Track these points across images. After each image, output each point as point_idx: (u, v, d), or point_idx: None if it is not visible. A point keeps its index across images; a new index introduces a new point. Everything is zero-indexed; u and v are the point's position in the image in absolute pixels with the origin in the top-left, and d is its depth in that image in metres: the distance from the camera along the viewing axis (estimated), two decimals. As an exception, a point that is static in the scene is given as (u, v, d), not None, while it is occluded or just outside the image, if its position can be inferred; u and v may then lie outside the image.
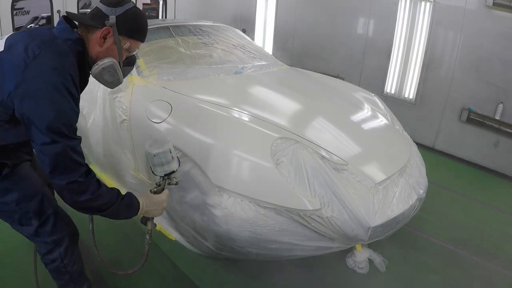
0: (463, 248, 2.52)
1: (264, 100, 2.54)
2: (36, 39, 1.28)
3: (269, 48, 5.88)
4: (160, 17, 6.29)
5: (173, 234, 2.36)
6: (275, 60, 3.35)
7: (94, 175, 1.35)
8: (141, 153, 2.34)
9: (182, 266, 2.19)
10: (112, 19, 1.33)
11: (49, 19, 5.16)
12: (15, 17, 4.66)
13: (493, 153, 3.82)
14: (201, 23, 3.29)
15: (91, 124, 2.76)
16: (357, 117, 2.51)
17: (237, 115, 2.15)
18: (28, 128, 1.25)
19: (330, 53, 5.08)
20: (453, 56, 3.94)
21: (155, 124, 2.15)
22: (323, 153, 1.99)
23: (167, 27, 3.07)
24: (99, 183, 1.36)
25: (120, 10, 1.35)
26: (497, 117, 3.71)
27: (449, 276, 2.26)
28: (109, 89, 2.47)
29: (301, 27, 5.42)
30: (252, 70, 2.91)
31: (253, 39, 5.17)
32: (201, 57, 2.85)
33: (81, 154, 1.32)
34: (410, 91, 4.41)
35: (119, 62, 1.42)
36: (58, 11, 4.84)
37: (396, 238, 2.33)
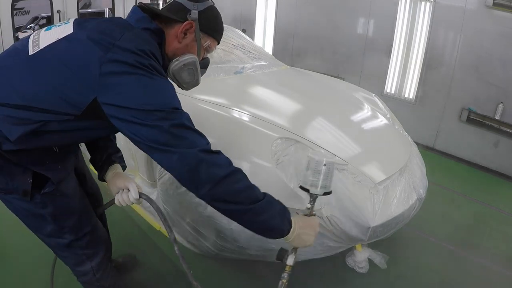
0: (463, 248, 2.52)
1: (264, 100, 2.54)
2: (111, 24, 1.16)
3: (269, 48, 5.88)
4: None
5: (173, 234, 2.36)
6: (275, 60, 3.35)
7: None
8: (141, 154, 2.34)
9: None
10: (195, 14, 1.21)
11: (49, 19, 5.16)
12: (15, 17, 4.67)
13: (493, 153, 3.82)
14: (201, 23, 3.28)
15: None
16: (357, 117, 2.51)
17: (237, 115, 2.15)
18: (122, 117, 1.06)
19: (330, 53, 5.08)
20: (453, 56, 3.94)
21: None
22: (323, 153, 1.99)
23: (167, 27, 3.07)
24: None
25: (201, 6, 1.24)
26: (497, 117, 3.71)
27: (449, 276, 2.26)
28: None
29: (301, 27, 5.42)
30: (252, 70, 2.91)
31: (253, 39, 5.17)
32: (201, 57, 2.85)
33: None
34: (410, 91, 4.41)
35: None
36: (58, 11, 4.85)
37: (396, 238, 2.33)
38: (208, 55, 1.40)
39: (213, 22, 1.29)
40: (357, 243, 2.03)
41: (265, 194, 1.19)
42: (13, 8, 4.57)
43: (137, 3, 1.27)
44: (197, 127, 2.16)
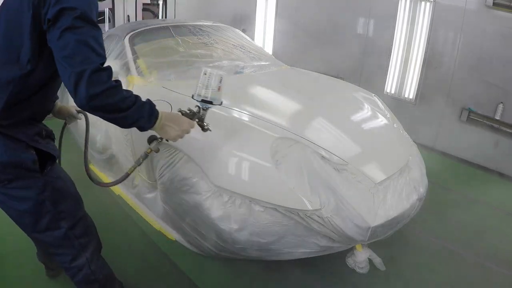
0: (463, 248, 2.52)
1: (264, 100, 2.54)
2: None
3: (269, 48, 5.88)
4: (160, 17, 6.29)
5: (173, 234, 2.36)
6: (275, 60, 3.35)
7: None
8: (141, 153, 2.34)
9: (182, 266, 2.19)
10: None
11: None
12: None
13: (493, 153, 3.82)
14: (201, 23, 3.29)
15: (91, 124, 2.76)
16: (357, 117, 2.51)
17: (237, 115, 2.15)
18: (58, 17, 1.14)
19: (330, 53, 5.08)
20: (453, 56, 3.94)
21: (155, 124, 2.15)
22: (323, 153, 1.99)
23: (167, 27, 3.07)
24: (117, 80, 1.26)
25: None
26: (497, 117, 3.71)
27: (449, 276, 2.26)
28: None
29: (301, 27, 5.42)
30: (252, 70, 2.90)
31: (253, 39, 5.16)
32: (201, 57, 2.85)
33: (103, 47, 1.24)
34: (410, 91, 4.41)
35: None
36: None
37: (396, 238, 2.33)
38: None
39: None
40: (357, 243, 2.03)
41: (136, 99, 1.31)
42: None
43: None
44: (197, 127, 2.17)
